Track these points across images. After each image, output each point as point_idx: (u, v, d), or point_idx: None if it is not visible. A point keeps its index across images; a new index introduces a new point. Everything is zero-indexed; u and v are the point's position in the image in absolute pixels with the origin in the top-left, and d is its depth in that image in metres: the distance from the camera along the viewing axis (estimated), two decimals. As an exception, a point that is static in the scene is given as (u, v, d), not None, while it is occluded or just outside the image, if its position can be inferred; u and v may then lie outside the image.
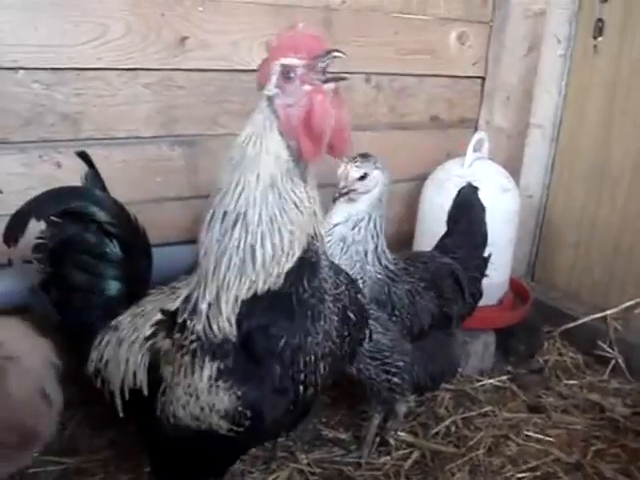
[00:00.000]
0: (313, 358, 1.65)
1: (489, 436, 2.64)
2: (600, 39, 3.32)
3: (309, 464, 2.44)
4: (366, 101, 3.13)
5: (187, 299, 1.71)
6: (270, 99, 1.60)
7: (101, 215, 1.94)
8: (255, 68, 2.69)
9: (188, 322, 1.67)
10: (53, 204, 1.91)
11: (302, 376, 1.64)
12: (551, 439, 2.67)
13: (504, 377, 3.05)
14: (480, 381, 3.01)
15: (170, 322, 1.72)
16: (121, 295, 1.98)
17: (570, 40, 3.45)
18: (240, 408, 1.58)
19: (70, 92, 2.50)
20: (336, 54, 1.55)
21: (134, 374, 1.77)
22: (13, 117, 2.43)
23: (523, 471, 2.48)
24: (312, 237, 1.65)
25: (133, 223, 2.03)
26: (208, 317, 1.63)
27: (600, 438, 2.71)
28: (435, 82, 3.31)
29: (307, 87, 1.57)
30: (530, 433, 2.70)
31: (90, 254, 1.95)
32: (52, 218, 1.92)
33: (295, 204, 1.60)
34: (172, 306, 1.75)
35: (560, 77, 3.49)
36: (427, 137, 3.35)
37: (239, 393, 1.58)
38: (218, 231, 1.61)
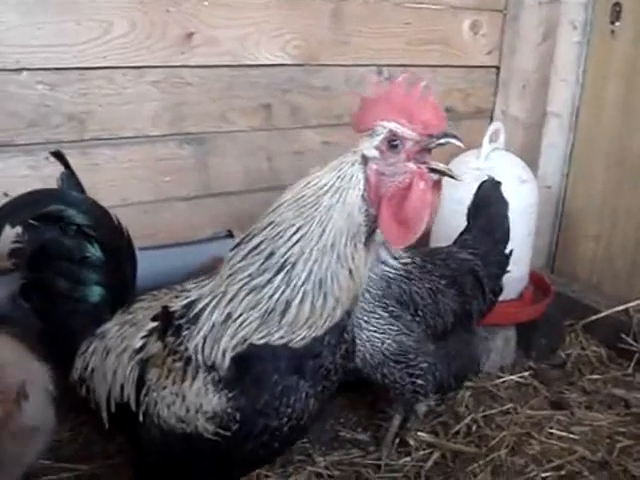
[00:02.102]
0: (304, 399, 1.55)
1: (511, 435, 2.57)
2: (618, 24, 3.25)
3: (327, 467, 2.37)
4: (378, 94, 3.06)
5: (191, 305, 1.60)
6: (365, 158, 1.47)
7: (79, 218, 1.83)
8: (263, 63, 2.74)
9: (183, 329, 1.57)
10: (28, 208, 1.79)
11: (289, 411, 1.53)
12: (575, 436, 2.60)
13: (525, 373, 2.98)
14: (501, 377, 2.93)
15: (165, 322, 1.62)
16: (105, 301, 1.87)
17: (587, 26, 3.37)
18: (229, 410, 1.49)
19: (75, 92, 2.47)
20: (454, 141, 1.44)
21: (121, 387, 1.68)
22: (18, 119, 2.40)
23: (547, 470, 2.41)
24: (354, 300, 1.54)
25: (115, 225, 1.90)
26: (205, 337, 1.53)
27: (626, 434, 2.64)
28: (449, 73, 3.24)
29: (411, 166, 1.46)
30: (553, 431, 2.62)
31: (69, 259, 1.84)
32: (29, 222, 1.82)
33: (350, 271, 1.48)
34: (171, 306, 1.65)
35: (577, 64, 3.41)
36: (442, 129, 3.27)
37: (230, 395, 1.49)
38: (256, 267, 1.49)
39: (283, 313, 1.46)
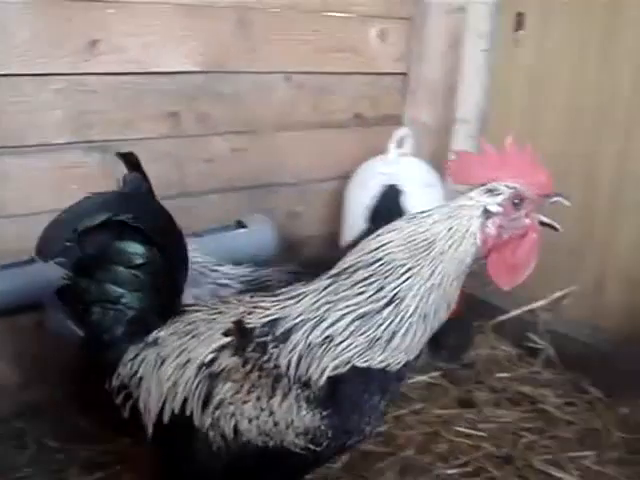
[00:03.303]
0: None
1: (420, 433, 2.63)
2: (521, 32, 3.34)
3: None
4: (287, 100, 3.10)
5: (276, 322, 1.65)
6: (487, 213, 1.59)
7: (143, 223, 1.77)
8: (170, 70, 2.75)
9: (269, 346, 1.62)
10: (94, 215, 1.74)
11: (368, 428, 1.65)
12: (482, 434, 2.66)
13: (435, 373, 3.04)
14: (411, 379, 2.98)
15: (243, 338, 1.66)
16: (154, 308, 1.83)
17: (492, 34, 3.45)
18: (322, 427, 1.57)
19: (-22, 100, 2.44)
20: (564, 200, 1.61)
21: (184, 399, 1.68)
22: None
23: (453, 467, 2.46)
24: None
25: (175, 231, 1.86)
26: (301, 356, 1.59)
27: (531, 430, 2.71)
28: (357, 80, 3.29)
29: (527, 221, 1.62)
30: (461, 429, 2.68)
31: (124, 265, 1.79)
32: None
33: (449, 305, 1.61)
34: (246, 322, 1.69)
35: (484, 71, 3.49)
36: (351, 135, 3.33)
37: (324, 413, 1.57)
38: (364, 297, 1.58)
39: (388, 341, 1.57)
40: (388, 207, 2.56)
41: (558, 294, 3.25)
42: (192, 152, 2.90)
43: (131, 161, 1.88)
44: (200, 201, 2.85)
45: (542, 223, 1.64)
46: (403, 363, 1.60)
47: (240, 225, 2.91)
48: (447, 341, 3.13)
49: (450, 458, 2.52)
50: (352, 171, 3.15)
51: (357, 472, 2.41)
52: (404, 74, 3.43)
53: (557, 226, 1.64)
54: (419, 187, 2.93)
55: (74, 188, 2.67)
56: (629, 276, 3.06)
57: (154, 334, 1.81)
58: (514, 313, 3.32)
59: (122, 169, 2.71)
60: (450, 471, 2.44)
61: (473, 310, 3.34)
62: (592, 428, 2.77)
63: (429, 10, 3.33)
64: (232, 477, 1.69)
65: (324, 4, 3.09)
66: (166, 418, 1.71)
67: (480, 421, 2.74)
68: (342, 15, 3.15)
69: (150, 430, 1.75)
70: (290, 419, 1.57)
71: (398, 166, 2.96)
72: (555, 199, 1.62)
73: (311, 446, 1.59)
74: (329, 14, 3.12)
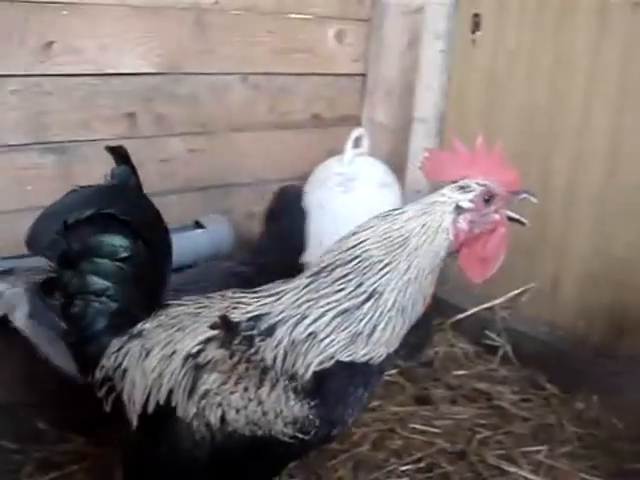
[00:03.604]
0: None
1: (374, 431, 2.64)
2: (478, 33, 3.37)
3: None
4: (244, 101, 3.12)
5: (259, 318, 1.69)
6: (459, 209, 1.65)
7: (130, 216, 1.78)
8: (126, 71, 2.76)
9: (256, 340, 1.66)
10: (83, 208, 1.73)
11: (351, 419, 1.71)
12: (437, 430, 2.68)
13: (393, 371, 3.05)
14: (369, 376, 3.00)
15: (229, 332, 1.69)
16: (140, 300, 1.84)
17: (449, 35, 3.48)
18: (311, 416, 1.61)
19: None
20: (531, 198, 1.69)
21: (170, 391, 1.70)
22: None
23: (407, 463, 2.48)
24: None
25: (162, 224, 1.87)
26: (286, 352, 1.63)
27: (486, 426, 2.74)
28: (315, 80, 3.32)
29: (497, 216, 1.69)
30: (416, 425, 2.70)
31: (110, 258, 1.79)
32: None
33: (424, 298, 1.68)
34: (231, 316, 1.72)
35: (441, 72, 3.51)
36: (309, 136, 3.36)
37: (312, 403, 1.61)
38: (344, 294, 1.64)
39: (369, 335, 1.62)
40: (287, 208, 2.57)
41: (515, 292, 3.29)
42: (149, 153, 2.91)
43: (120, 154, 1.86)
44: (157, 202, 2.79)
45: (510, 218, 1.71)
46: (385, 356, 1.66)
47: (198, 225, 2.92)
48: (406, 339, 3.14)
49: (404, 454, 2.54)
50: (310, 171, 3.17)
51: (311, 469, 2.42)
52: (362, 75, 3.47)
53: (524, 221, 1.72)
54: (375, 187, 2.97)
55: (29, 189, 2.68)
56: (584, 274, 3.10)
57: (139, 326, 1.82)
58: (473, 311, 3.35)
59: (77, 170, 2.76)
60: (403, 467, 2.46)
61: (434, 309, 3.37)
62: (547, 423, 2.80)
63: (387, 11, 3.36)
64: (217, 467, 1.71)
65: (280, 6, 3.11)
66: (151, 409, 1.73)
67: (436, 418, 2.77)
68: (299, 16, 3.18)
69: (135, 423, 1.76)
70: (279, 409, 1.61)
71: (354, 166, 2.98)
72: (523, 196, 1.69)
73: (299, 435, 1.63)
74: (286, 16, 3.14)
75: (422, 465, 2.49)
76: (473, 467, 2.51)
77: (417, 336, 3.19)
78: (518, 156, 3.12)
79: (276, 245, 2.56)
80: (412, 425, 2.70)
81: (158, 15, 2.80)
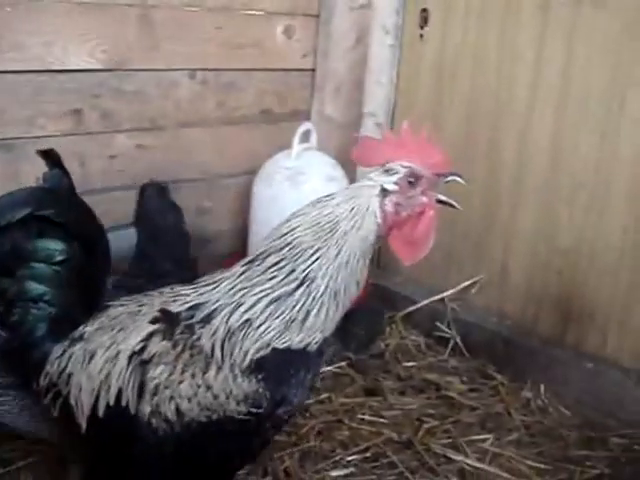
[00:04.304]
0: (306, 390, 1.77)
1: (322, 422, 2.66)
2: (426, 28, 3.41)
3: None
4: (192, 97, 3.12)
5: (197, 307, 1.72)
6: (385, 191, 1.68)
7: (62, 219, 1.79)
8: (72, 68, 2.76)
9: (196, 327, 1.68)
10: (15, 211, 1.75)
11: (296, 400, 1.74)
12: (385, 421, 2.71)
13: (343, 363, 3.08)
14: (318, 369, 3.02)
15: (170, 323, 1.70)
16: (79, 303, 1.85)
17: (398, 30, 3.51)
18: (260, 390, 1.64)
19: None
20: (458, 179, 1.71)
21: (119, 390, 1.70)
22: None
23: (353, 453, 2.51)
24: None
25: (97, 226, 1.90)
26: (223, 340, 1.65)
27: (434, 416, 2.77)
28: (264, 76, 3.33)
29: (424, 199, 1.71)
30: (365, 416, 2.72)
31: (47, 262, 1.79)
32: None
33: (357, 283, 1.70)
34: (173, 309, 1.74)
35: (390, 66, 3.54)
36: (258, 131, 3.36)
37: (259, 377, 1.64)
38: (276, 281, 1.66)
39: (303, 321, 1.66)
40: (152, 207, 2.58)
41: (465, 283, 3.34)
42: (95, 149, 2.91)
43: (52, 158, 1.90)
44: (104, 198, 2.84)
45: (440, 201, 1.73)
46: (321, 341, 1.69)
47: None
48: (357, 332, 3.18)
49: (351, 445, 2.56)
50: (259, 166, 3.18)
51: (258, 461, 2.43)
52: (312, 70, 3.48)
53: (455, 204, 1.74)
54: (322, 180, 3.00)
55: (-27, 188, 2.67)
56: (530, 264, 3.15)
57: (80, 330, 1.82)
58: (423, 303, 3.39)
59: (24, 168, 2.74)
60: (350, 457, 2.49)
61: (384, 301, 3.41)
62: (494, 412, 2.85)
63: (335, 6, 3.38)
64: (184, 458, 1.72)
65: (229, 1, 3.12)
66: (101, 412, 1.73)
67: (384, 409, 2.79)
68: (247, 12, 3.19)
69: (84, 425, 1.76)
70: (229, 389, 1.63)
71: (302, 160, 3.01)
72: (450, 178, 1.71)
73: (253, 409, 1.65)
74: (234, 11, 3.15)
75: (368, 455, 2.51)
76: (419, 456, 2.54)
77: (368, 329, 3.24)
78: (465, 148, 3.21)
79: (152, 247, 2.57)
80: (360, 416, 2.73)
81: (103, 11, 2.79)
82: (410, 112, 3.50)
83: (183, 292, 1.79)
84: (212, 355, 1.65)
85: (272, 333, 1.65)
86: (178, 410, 1.65)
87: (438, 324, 3.29)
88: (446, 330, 3.27)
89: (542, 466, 2.55)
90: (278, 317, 1.65)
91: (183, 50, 3.03)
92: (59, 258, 1.81)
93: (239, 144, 3.29)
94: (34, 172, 2.69)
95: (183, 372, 1.65)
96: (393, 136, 1.77)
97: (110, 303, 1.87)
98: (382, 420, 2.72)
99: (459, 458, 2.54)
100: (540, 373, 3.02)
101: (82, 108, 2.84)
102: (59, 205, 1.81)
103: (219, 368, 1.64)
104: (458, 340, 3.24)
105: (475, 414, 2.83)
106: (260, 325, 1.65)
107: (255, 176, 3.16)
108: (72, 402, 1.77)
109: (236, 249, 3.29)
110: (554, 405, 2.91)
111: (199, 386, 1.64)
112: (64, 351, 1.81)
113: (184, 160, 3.13)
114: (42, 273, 1.80)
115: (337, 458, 2.48)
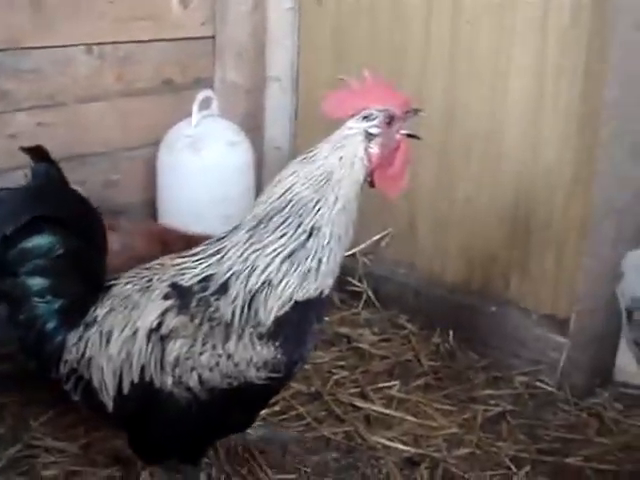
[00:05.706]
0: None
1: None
2: (322, -8, 3.45)
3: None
4: (90, 73, 3.12)
5: (209, 279, 1.81)
6: (370, 136, 1.83)
7: (59, 214, 1.86)
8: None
9: (212, 299, 1.78)
10: (18, 216, 1.82)
11: (309, 353, 1.94)
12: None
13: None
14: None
15: (184, 297, 1.80)
16: (85, 291, 1.92)
17: (295, -7, 3.56)
18: (279, 356, 1.75)
19: None
20: (422, 113, 1.92)
21: (142, 368, 1.80)
22: None
23: (262, 409, 2.60)
24: None
25: (91, 208, 1.98)
26: (244, 302, 1.76)
27: (344, 367, 2.88)
28: (163, 46, 3.33)
29: (398, 136, 1.89)
30: (274, 373, 2.81)
31: (48, 257, 1.85)
32: None
33: (353, 223, 1.84)
34: (183, 283, 1.83)
35: (291, 30, 3.59)
36: (161, 101, 3.37)
37: (277, 344, 1.75)
38: (287, 237, 1.78)
39: (317, 269, 1.78)
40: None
41: (375, 237, 3.43)
42: (-5, 129, 2.92)
43: (38, 153, 1.94)
44: (7, 178, 2.84)
45: (408, 135, 1.90)
46: (332, 285, 1.84)
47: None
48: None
49: (259, 399, 2.64)
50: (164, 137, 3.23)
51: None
52: (212, 37, 3.50)
53: (418, 135, 1.92)
54: (223, 146, 3.07)
55: None
56: (434, 216, 3.26)
57: (91, 314, 1.90)
58: (336, 259, 3.46)
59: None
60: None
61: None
62: (404, 360, 2.97)
63: (230, -28, 3.40)
64: (207, 423, 1.87)
65: (119, -25, 3.13)
66: (126, 390, 1.83)
67: (295, 364, 2.88)
68: (138, -16, 3.20)
69: (111, 404, 1.86)
70: (249, 357, 1.75)
71: (202, 128, 3.07)
72: (417, 113, 1.91)
73: (272, 375, 1.77)
74: (125, -16, 3.16)
75: (277, 409, 2.59)
76: (327, 406, 2.64)
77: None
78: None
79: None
80: (270, 373, 2.80)
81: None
82: (313, 75, 3.55)
83: (187, 265, 1.88)
84: (231, 323, 1.76)
85: (292, 287, 1.76)
86: (200, 379, 1.77)
87: (350, 279, 3.36)
88: (358, 284, 3.36)
89: (447, 407, 2.68)
90: (295, 271, 1.77)
91: (78, 26, 3.02)
92: (59, 252, 1.88)
93: (142, 116, 3.31)
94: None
95: (204, 344, 1.76)
96: (357, 85, 1.88)
97: (113, 282, 1.95)
98: (292, 375, 2.80)
99: (365, 405, 2.65)
100: (449, 320, 3.13)
101: (-22, 89, 2.85)
102: (54, 200, 1.90)
103: (239, 337, 1.75)
104: (370, 293, 3.34)
105: (385, 363, 2.94)
106: (279, 282, 1.77)
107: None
108: (96, 385, 1.88)
109: (148, 218, 3.32)
110: (462, 349, 3.03)
111: (220, 355, 1.75)
112: (80, 337, 1.89)
113: (86, 135, 3.14)
114: (44, 267, 1.87)
115: (245, 414, 2.56)
